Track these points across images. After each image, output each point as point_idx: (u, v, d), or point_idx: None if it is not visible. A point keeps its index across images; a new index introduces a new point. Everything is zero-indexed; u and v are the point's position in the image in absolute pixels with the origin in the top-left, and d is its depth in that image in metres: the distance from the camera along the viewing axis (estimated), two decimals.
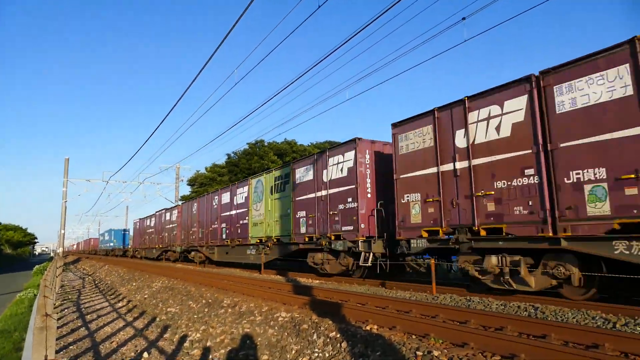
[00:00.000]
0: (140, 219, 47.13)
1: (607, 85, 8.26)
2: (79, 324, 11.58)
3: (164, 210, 37.06)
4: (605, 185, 8.04)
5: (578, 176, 8.45)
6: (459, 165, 10.85)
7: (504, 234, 9.67)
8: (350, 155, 14.68)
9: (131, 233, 62.32)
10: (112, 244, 64.59)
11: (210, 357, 7.67)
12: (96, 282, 24.83)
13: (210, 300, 11.62)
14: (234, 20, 10.45)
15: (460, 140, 10.89)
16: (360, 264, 13.69)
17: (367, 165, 14.47)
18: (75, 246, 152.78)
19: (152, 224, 41.11)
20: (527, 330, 6.53)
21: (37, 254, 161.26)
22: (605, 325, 6.99)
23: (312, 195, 16.29)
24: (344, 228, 14.58)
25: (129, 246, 62.03)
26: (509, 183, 9.68)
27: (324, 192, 15.68)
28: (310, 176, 16.62)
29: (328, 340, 6.85)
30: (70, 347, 9.21)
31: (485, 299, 9.71)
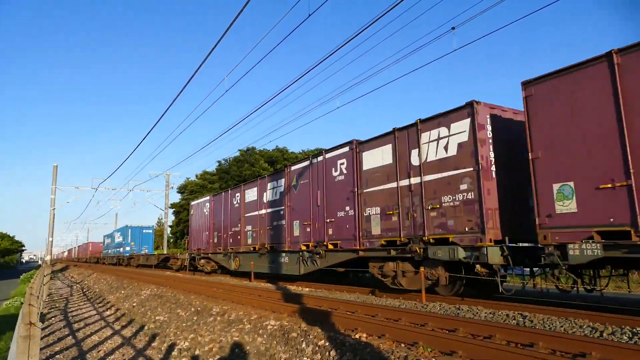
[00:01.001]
0: (213, 195, 26.23)
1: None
2: (66, 333, 11.46)
3: (351, 147, 14.17)
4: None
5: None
6: None
7: None
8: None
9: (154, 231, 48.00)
10: (128, 249, 45.99)
11: None
12: (84, 290, 24.59)
13: (199, 309, 11.54)
14: (226, 26, 10.47)
15: None
16: None
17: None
18: (66, 253, 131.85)
19: (277, 196, 18.44)
20: (515, 338, 6.55)
21: (24, 261, 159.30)
22: (592, 334, 7.03)
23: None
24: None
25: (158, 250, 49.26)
26: None
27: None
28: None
29: (317, 348, 6.83)
30: (57, 356, 9.11)
31: (474, 307, 9.73)
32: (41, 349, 9.13)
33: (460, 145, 10.57)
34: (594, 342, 5.84)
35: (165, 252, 42.80)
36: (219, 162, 55.31)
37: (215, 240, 24.44)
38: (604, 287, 9.87)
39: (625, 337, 6.71)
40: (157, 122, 18.52)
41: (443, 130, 11.06)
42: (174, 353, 8.53)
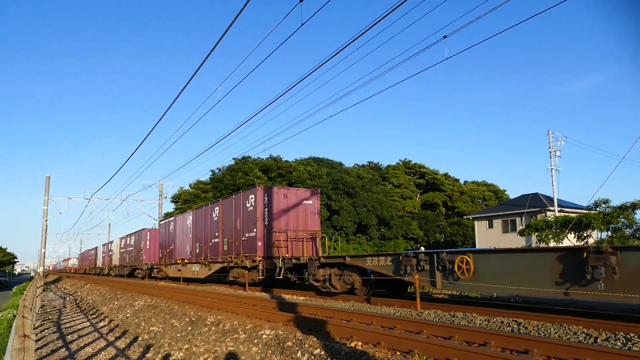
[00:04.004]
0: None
1: None
2: (60, 345, 11.35)
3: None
4: None
5: None
6: None
7: None
8: None
9: None
10: None
11: None
12: (77, 302, 24.40)
13: (193, 319, 11.48)
14: (220, 34, 10.52)
15: None
16: None
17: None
18: (73, 260, 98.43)
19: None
20: (510, 345, 6.57)
21: (17, 273, 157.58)
22: (586, 340, 7.06)
23: None
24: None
25: None
26: None
27: None
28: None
29: (312, 357, 6.82)
30: None
31: (469, 314, 9.75)
32: None
33: None
34: (589, 348, 5.87)
35: None
36: (212, 171, 55.25)
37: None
38: None
39: (619, 343, 6.75)
40: (150, 132, 18.51)
41: None
42: None
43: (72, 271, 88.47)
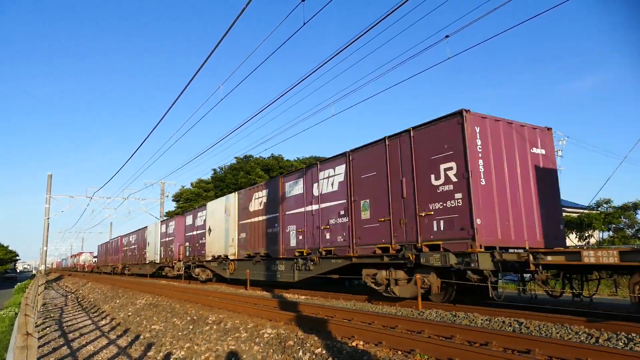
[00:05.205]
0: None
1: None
2: (61, 343, 11.38)
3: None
4: None
5: None
6: None
7: None
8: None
9: None
10: None
11: None
12: (79, 300, 24.44)
13: (195, 317, 11.50)
14: (222, 33, 10.53)
15: None
16: None
17: None
18: (87, 256, 74.76)
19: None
20: (511, 345, 6.57)
21: (19, 271, 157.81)
22: (588, 340, 7.05)
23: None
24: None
25: None
26: None
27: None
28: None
29: (314, 356, 6.82)
30: None
31: (470, 314, 9.74)
32: (37, 359, 9.05)
33: None
34: (590, 348, 5.86)
35: None
36: (214, 170, 55.25)
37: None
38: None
39: (621, 344, 6.74)
40: (152, 131, 18.53)
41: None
42: None
43: (86, 270, 66.43)
